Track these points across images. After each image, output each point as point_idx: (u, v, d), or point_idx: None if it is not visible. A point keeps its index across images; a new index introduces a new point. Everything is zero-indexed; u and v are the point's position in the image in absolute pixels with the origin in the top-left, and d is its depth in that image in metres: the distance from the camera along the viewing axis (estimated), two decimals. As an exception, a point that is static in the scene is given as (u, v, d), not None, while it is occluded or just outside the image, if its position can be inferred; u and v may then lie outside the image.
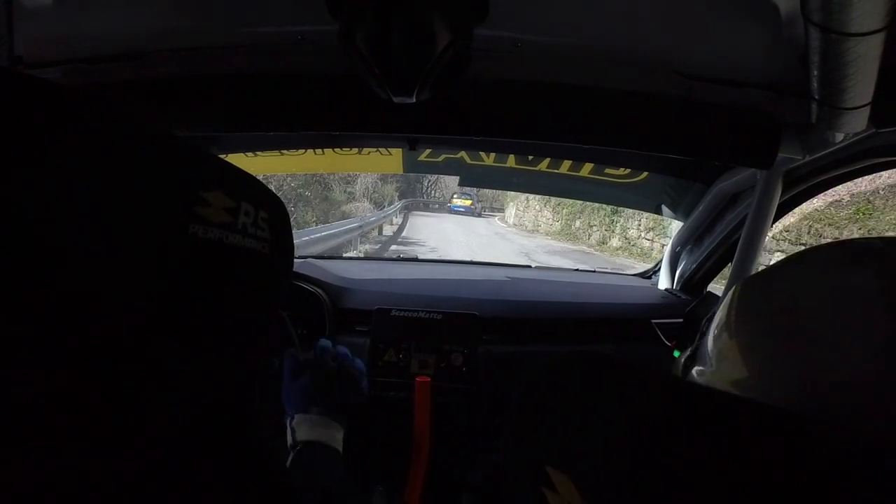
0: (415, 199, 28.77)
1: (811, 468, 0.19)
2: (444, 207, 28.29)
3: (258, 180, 0.33)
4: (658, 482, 0.21)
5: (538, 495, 0.23)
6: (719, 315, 0.36)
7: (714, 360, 0.35)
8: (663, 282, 1.44)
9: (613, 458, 0.23)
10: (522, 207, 20.92)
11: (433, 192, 35.24)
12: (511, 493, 0.26)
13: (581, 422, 0.25)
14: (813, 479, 0.19)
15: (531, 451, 0.26)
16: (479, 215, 25.92)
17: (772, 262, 0.37)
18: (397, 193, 24.66)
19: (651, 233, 10.90)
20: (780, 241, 6.04)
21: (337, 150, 1.32)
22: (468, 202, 24.89)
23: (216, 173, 0.29)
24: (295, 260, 1.05)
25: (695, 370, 0.38)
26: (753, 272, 0.98)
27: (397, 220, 16.48)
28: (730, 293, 0.36)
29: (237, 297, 0.30)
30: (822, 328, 0.28)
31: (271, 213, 0.31)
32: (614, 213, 12.38)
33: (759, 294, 0.34)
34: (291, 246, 0.35)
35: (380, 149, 1.32)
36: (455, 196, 25.70)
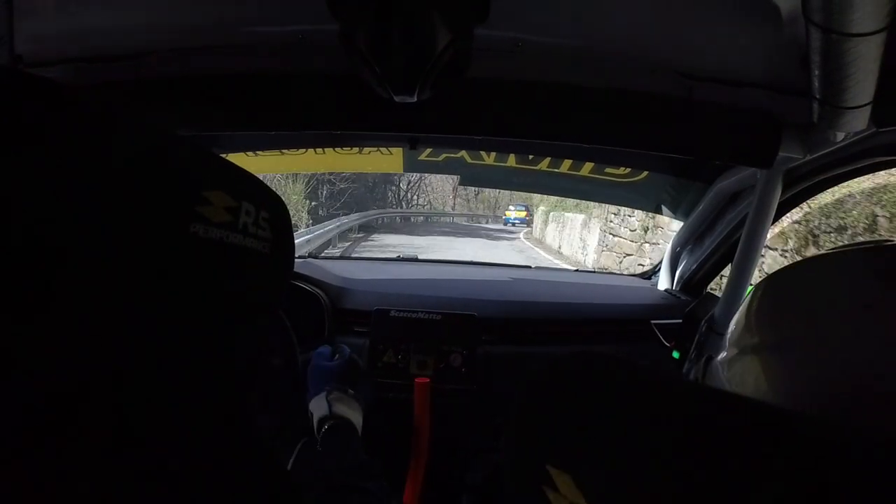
0: (382, 212, 17.48)
1: (812, 468, 0.19)
2: (437, 222, 21.34)
3: (259, 180, 0.33)
4: (660, 483, 0.21)
5: (539, 495, 0.23)
6: (743, 309, 0.36)
7: (735, 358, 0.35)
8: (663, 282, 1.44)
9: (615, 457, 0.23)
10: (619, 219, 7.92)
11: (415, 197, 24.28)
12: (512, 493, 0.26)
13: (583, 421, 0.25)
14: (813, 480, 0.19)
15: (533, 451, 0.26)
16: (530, 224, 20.16)
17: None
18: (308, 203, 13.17)
19: None
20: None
21: (338, 149, 1.32)
22: (523, 213, 20.71)
23: (218, 173, 0.30)
24: (295, 260, 1.05)
25: (717, 364, 0.38)
26: (753, 273, 0.98)
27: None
28: (756, 287, 0.36)
29: (237, 297, 0.30)
30: (845, 334, 0.28)
31: (272, 213, 0.31)
32: None
33: (784, 293, 0.34)
34: (292, 246, 0.35)
35: (380, 148, 1.32)
36: (511, 208, 21.37)
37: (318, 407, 0.68)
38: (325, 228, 9.46)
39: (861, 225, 2.87)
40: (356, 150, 1.33)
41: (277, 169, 1.44)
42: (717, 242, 1.24)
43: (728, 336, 0.37)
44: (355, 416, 0.69)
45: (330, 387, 0.70)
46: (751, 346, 0.34)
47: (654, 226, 6.90)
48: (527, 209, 20.77)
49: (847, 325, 0.29)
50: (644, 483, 0.21)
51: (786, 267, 0.37)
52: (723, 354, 0.38)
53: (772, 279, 0.36)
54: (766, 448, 0.20)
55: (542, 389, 0.28)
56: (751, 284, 1.01)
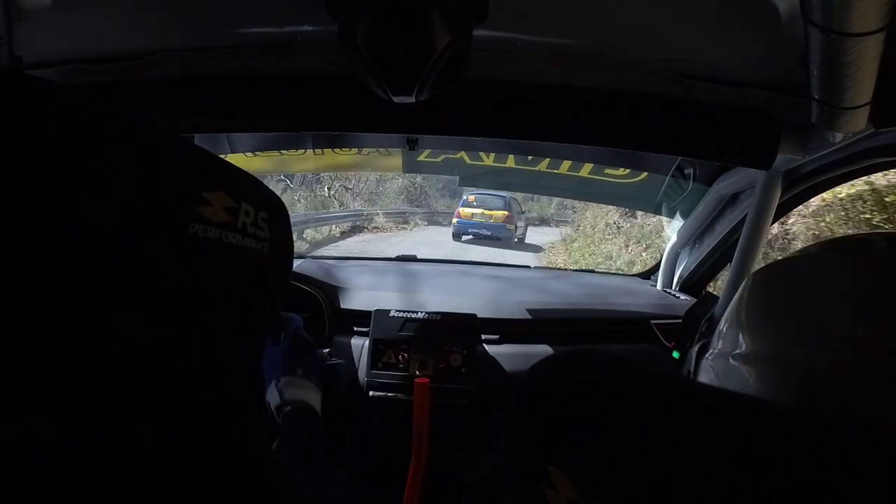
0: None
1: (815, 465, 0.19)
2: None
3: (259, 181, 0.33)
4: (658, 480, 0.21)
5: (538, 493, 0.23)
6: (733, 304, 0.37)
7: (726, 350, 0.35)
8: (662, 282, 1.44)
9: (613, 456, 0.22)
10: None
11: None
12: (512, 491, 0.26)
13: (581, 419, 0.25)
14: (817, 476, 0.19)
15: (531, 449, 0.25)
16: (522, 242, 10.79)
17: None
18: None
19: None
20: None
21: (337, 150, 1.33)
22: (499, 213, 10.35)
23: (218, 173, 0.30)
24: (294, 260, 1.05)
25: (707, 360, 0.38)
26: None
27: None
28: (745, 281, 0.36)
29: (236, 297, 0.30)
30: (814, 322, 0.29)
31: (271, 214, 0.31)
32: None
33: (770, 285, 0.34)
34: (291, 247, 0.35)
35: (380, 149, 1.32)
36: (471, 196, 10.57)
37: (272, 396, 0.67)
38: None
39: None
40: (355, 150, 1.34)
41: (276, 170, 1.43)
42: (717, 243, 1.24)
43: (718, 331, 0.38)
44: (310, 396, 0.68)
45: (279, 372, 0.68)
46: (739, 342, 0.34)
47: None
48: (507, 205, 10.50)
49: (835, 317, 0.29)
50: (643, 482, 0.21)
51: (775, 262, 0.38)
52: (714, 349, 0.38)
53: (759, 274, 0.37)
54: (764, 445, 0.20)
55: (540, 386, 0.28)
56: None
